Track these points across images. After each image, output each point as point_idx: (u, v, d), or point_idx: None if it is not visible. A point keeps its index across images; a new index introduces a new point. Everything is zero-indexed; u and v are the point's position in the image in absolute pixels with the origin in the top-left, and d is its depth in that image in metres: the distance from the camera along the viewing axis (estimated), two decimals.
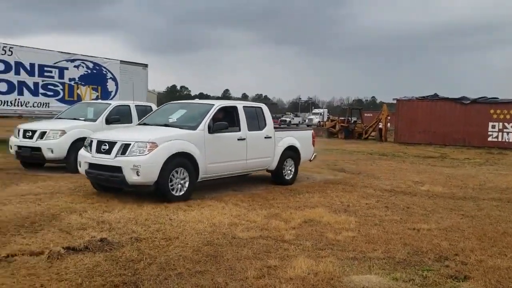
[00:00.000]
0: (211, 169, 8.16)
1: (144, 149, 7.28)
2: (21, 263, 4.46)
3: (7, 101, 17.05)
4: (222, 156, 8.37)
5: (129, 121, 11.82)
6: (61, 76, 18.62)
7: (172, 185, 7.50)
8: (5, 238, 5.22)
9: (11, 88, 17.08)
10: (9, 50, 16.92)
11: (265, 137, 9.45)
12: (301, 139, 10.58)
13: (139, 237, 5.42)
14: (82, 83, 19.37)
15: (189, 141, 7.77)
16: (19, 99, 17.38)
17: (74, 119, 11.64)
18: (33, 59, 17.62)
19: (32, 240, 5.18)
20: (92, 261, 4.55)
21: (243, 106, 9.17)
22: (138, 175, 7.18)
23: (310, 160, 11.22)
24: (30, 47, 17.87)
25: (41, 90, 17.98)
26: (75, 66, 19.10)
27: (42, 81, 17.95)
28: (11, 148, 11.13)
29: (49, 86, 18.27)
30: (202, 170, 7.93)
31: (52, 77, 18.33)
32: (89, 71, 19.64)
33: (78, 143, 10.07)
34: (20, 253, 4.71)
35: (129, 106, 12.29)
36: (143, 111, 11.98)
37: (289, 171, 10.21)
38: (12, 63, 17.00)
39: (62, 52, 18.77)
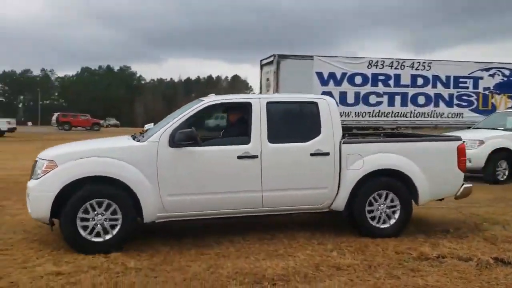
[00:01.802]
0: (174, 205, 5.34)
1: (40, 169, 5.18)
2: (451, 265, 4.84)
3: (424, 113, 18.52)
4: (200, 185, 5.40)
5: None
6: (475, 86, 18.68)
7: (86, 227, 5.04)
8: (434, 239, 5.77)
9: (428, 100, 18.45)
10: (428, 66, 18.33)
11: (313, 154, 5.64)
12: (419, 156, 5.87)
13: None
14: (497, 91, 18.81)
15: (123, 160, 5.17)
16: (435, 110, 18.56)
17: (493, 129, 11.92)
18: (448, 72, 18.44)
19: (459, 245, 5.52)
20: None
21: (268, 102, 5.71)
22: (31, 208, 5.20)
23: (456, 197, 6.23)
24: (446, 61, 18.77)
25: (455, 101, 18.58)
26: (490, 75, 18.78)
27: (457, 92, 18.53)
28: None
29: (463, 97, 18.66)
30: (154, 205, 5.23)
31: (466, 87, 18.64)
32: (505, 79, 18.85)
33: (497, 154, 10.58)
34: (449, 256, 5.12)
35: None
36: None
37: (382, 215, 5.83)
38: (430, 77, 18.34)
39: (477, 62, 18.84)
